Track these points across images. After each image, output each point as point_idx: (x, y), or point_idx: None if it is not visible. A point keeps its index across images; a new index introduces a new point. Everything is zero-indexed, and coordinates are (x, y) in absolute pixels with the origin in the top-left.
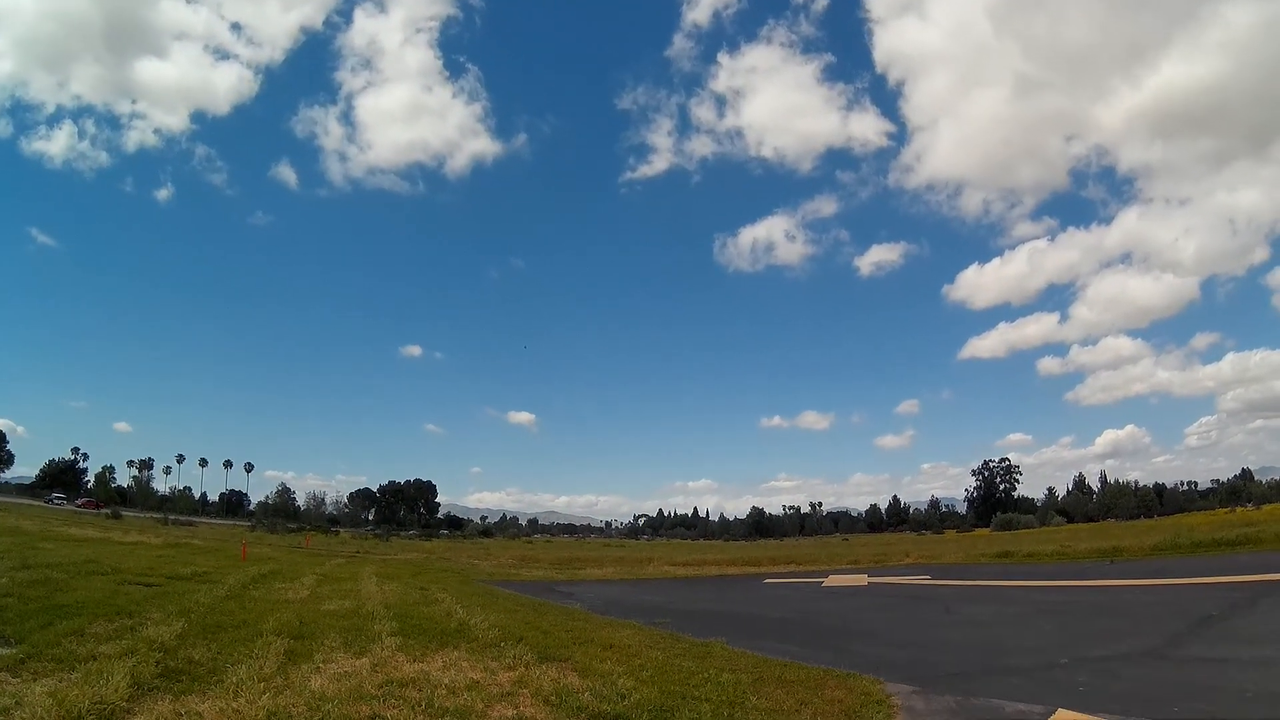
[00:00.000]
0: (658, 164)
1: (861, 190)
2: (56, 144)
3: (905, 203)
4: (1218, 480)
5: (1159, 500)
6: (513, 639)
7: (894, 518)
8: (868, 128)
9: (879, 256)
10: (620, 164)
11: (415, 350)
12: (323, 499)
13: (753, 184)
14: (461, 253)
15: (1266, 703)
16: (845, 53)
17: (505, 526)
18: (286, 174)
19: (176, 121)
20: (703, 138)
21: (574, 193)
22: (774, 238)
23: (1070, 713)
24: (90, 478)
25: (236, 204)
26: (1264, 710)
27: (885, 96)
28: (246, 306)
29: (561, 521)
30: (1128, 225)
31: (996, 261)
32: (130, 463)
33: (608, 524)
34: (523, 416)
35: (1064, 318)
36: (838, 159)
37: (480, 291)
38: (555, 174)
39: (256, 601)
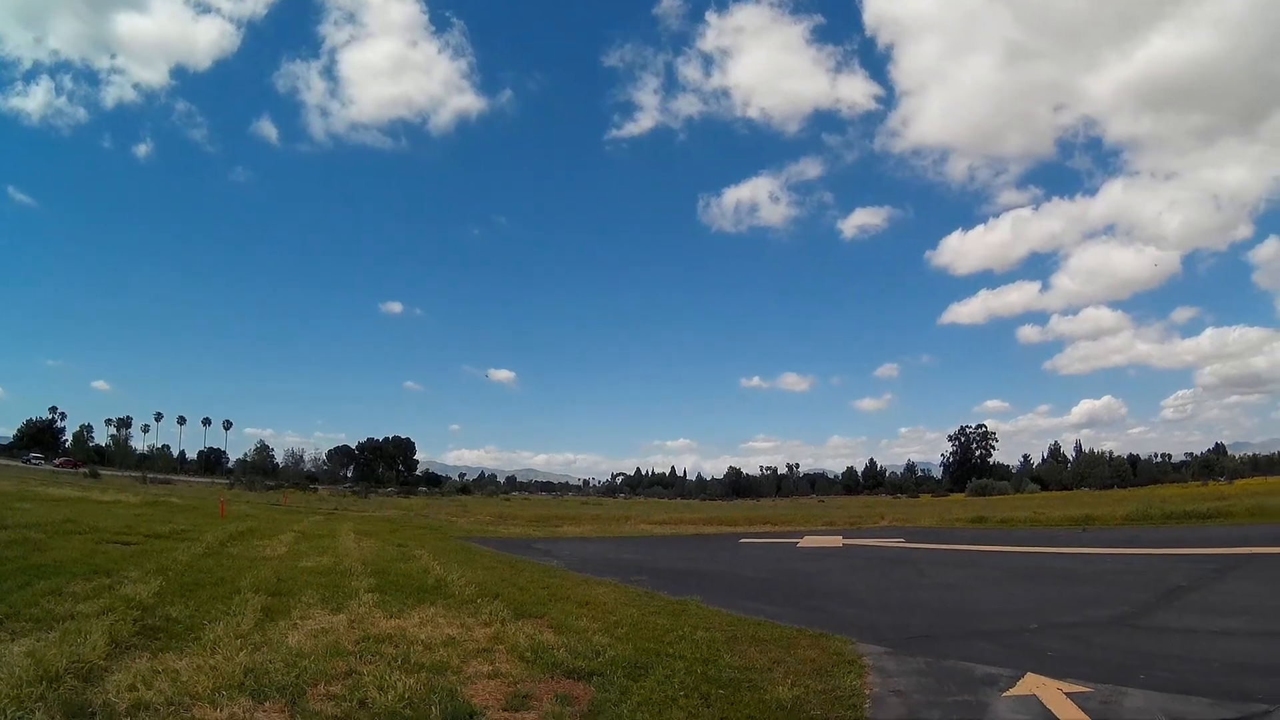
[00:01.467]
0: (643, 122)
1: (847, 153)
2: (34, 100)
3: (891, 167)
4: (1192, 454)
5: (1133, 471)
6: (489, 595)
7: (870, 480)
8: (856, 91)
9: (863, 220)
10: (605, 122)
11: (396, 307)
12: (301, 456)
13: (738, 144)
14: (444, 210)
15: (1231, 673)
16: (835, 14)
17: (483, 484)
18: (267, 130)
19: (156, 76)
20: (689, 97)
21: (558, 150)
22: (758, 199)
23: (1038, 677)
24: (68, 437)
25: (216, 160)
26: (1228, 680)
27: (874, 60)
28: (226, 263)
29: (539, 479)
30: (1113, 197)
31: (980, 228)
32: (108, 421)
33: (585, 482)
34: (503, 374)
35: (1045, 287)
36: (824, 121)
37: (462, 249)
38: (540, 131)
39: (234, 559)
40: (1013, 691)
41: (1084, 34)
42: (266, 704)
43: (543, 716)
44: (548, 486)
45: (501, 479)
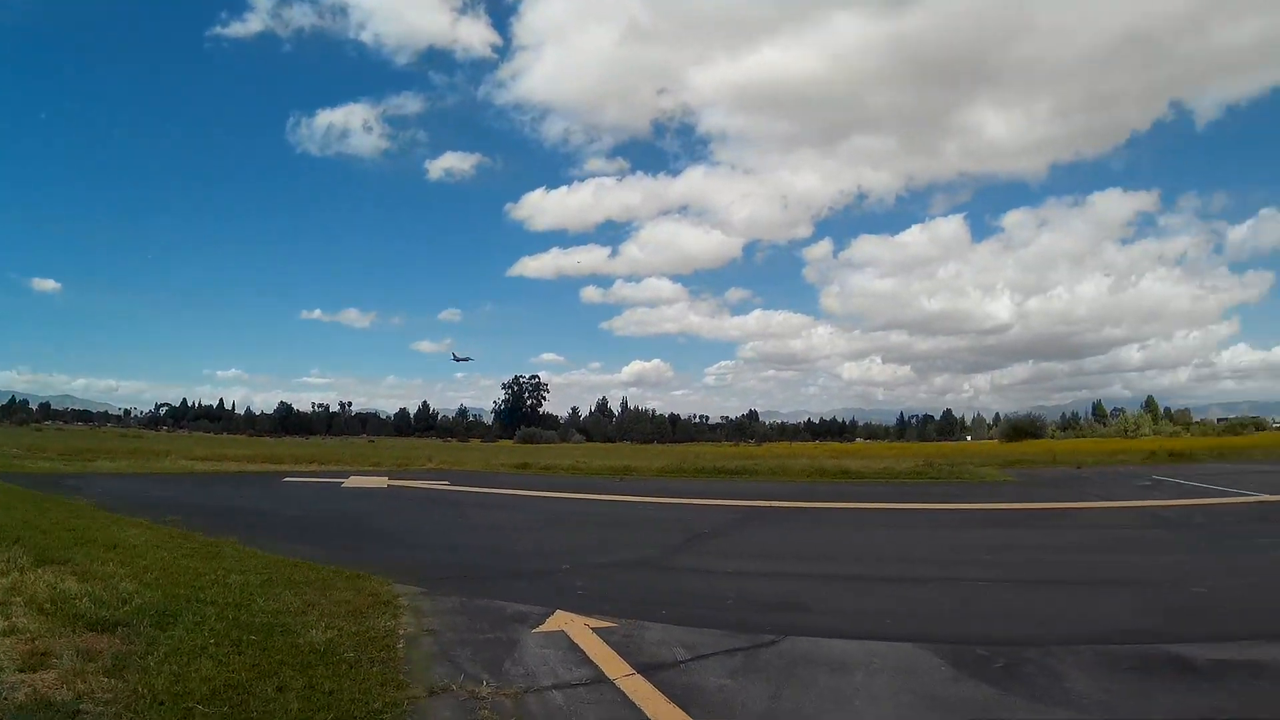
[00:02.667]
0: (252, 24)
1: (451, 95)
2: None
3: (490, 116)
4: (727, 417)
5: (672, 429)
6: (8, 540)
7: (422, 423)
8: (475, 36)
9: (452, 164)
10: (210, 17)
11: None
12: None
13: (344, 67)
14: (2, 93)
15: (744, 608)
16: None
17: (12, 411)
18: None
19: None
20: (304, 7)
21: (152, 40)
22: (351, 126)
23: (567, 614)
24: None
25: None
26: (741, 615)
27: (500, 9)
28: None
29: (77, 407)
30: (692, 181)
31: (564, 189)
32: None
33: (127, 412)
34: (46, 284)
35: (615, 253)
36: (436, 60)
37: (16, 139)
38: (135, 16)
39: None
40: (542, 628)
41: (703, 29)
42: None
43: (62, 675)
44: (85, 416)
45: (34, 406)
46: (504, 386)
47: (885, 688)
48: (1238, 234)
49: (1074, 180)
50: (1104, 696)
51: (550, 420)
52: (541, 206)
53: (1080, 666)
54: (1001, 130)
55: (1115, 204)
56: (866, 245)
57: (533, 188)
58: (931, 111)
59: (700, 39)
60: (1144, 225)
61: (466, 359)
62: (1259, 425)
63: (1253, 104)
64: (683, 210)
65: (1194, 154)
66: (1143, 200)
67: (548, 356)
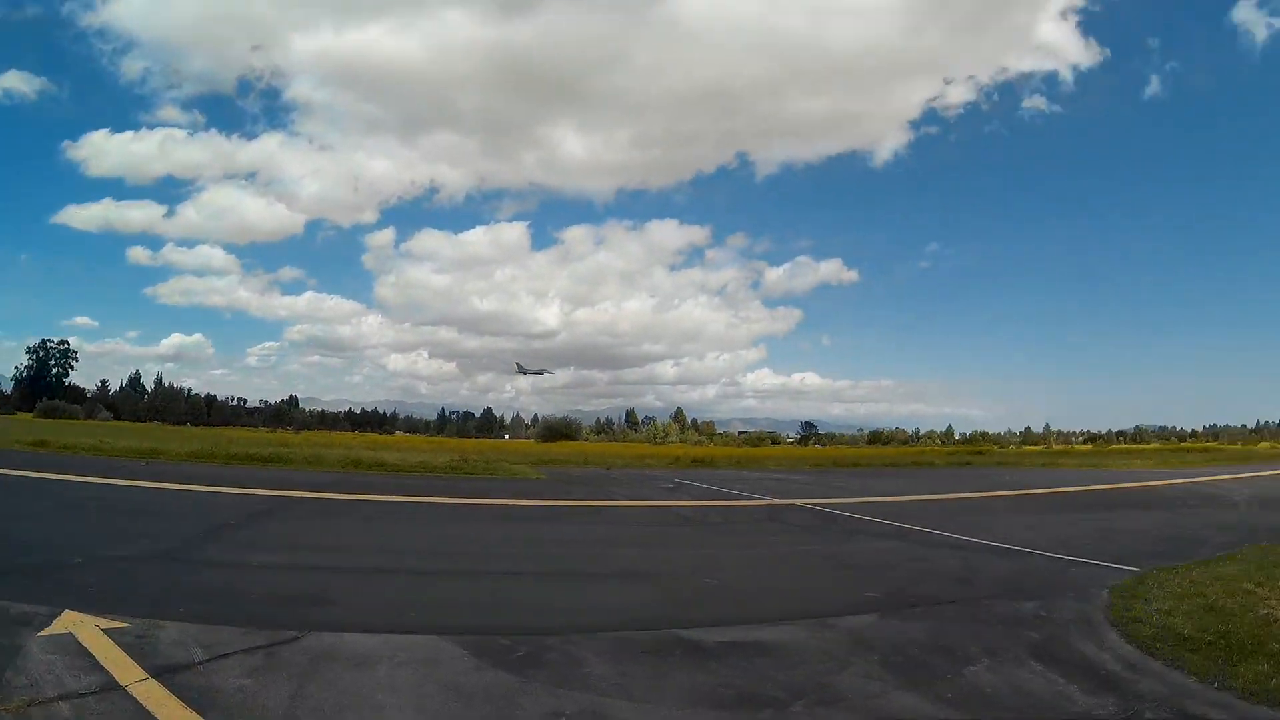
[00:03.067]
0: None
1: (31, 6)
2: None
3: (68, 39)
4: (266, 401)
5: (208, 411)
6: None
7: None
8: None
9: (14, 84)
10: None
11: None
12: None
13: None
14: None
15: (267, 603)
16: None
17: None
18: None
19: None
20: None
21: None
22: None
23: (76, 614)
24: None
25: None
26: (264, 609)
27: None
28: None
29: None
30: (267, 149)
31: (129, 134)
32: None
33: None
34: None
35: (171, 213)
36: None
37: None
38: None
39: None
40: (49, 630)
41: None
42: None
43: None
44: None
45: None
46: (29, 351)
47: (408, 680)
48: (774, 275)
49: (637, 206)
50: (620, 679)
51: (77, 393)
52: (103, 149)
53: (599, 653)
54: (579, 150)
55: (670, 233)
56: (429, 239)
57: (98, 127)
58: (517, 121)
59: (308, 2)
60: (693, 256)
61: (540, 372)
62: (774, 439)
63: (807, 167)
64: (250, 177)
65: (749, 201)
66: (696, 234)
67: (81, 320)
